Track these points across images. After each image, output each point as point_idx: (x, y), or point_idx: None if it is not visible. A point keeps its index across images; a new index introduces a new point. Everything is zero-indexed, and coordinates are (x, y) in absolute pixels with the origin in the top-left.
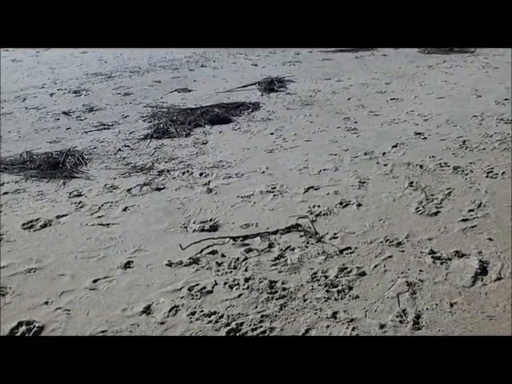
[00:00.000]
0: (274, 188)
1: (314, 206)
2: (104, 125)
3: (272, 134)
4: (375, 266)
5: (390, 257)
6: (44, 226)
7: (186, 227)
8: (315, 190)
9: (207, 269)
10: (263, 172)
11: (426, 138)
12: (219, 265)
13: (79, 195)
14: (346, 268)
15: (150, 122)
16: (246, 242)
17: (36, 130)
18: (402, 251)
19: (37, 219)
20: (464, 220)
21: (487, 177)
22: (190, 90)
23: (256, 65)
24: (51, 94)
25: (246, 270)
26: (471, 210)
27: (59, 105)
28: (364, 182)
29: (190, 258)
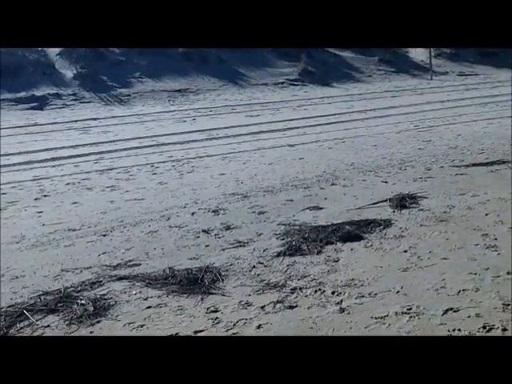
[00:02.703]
0: (410, 309)
1: (454, 330)
2: (240, 242)
3: (405, 251)
4: None
5: None
6: None
7: None
8: (455, 311)
9: None
10: (398, 292)
11: None
12: None
13: (216, 311)
14: None
15: (283, 239)
16: None
17: (178, 247)
18: None
19: (176, 334)
20: None
21: None
22: (320, 208)
23: (386, 182)
24: (192, 213)
25: None
26: None
27: (199, 223)
28: (508, 305)
29: None
